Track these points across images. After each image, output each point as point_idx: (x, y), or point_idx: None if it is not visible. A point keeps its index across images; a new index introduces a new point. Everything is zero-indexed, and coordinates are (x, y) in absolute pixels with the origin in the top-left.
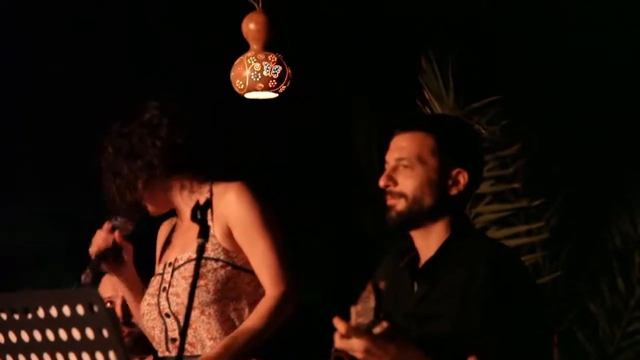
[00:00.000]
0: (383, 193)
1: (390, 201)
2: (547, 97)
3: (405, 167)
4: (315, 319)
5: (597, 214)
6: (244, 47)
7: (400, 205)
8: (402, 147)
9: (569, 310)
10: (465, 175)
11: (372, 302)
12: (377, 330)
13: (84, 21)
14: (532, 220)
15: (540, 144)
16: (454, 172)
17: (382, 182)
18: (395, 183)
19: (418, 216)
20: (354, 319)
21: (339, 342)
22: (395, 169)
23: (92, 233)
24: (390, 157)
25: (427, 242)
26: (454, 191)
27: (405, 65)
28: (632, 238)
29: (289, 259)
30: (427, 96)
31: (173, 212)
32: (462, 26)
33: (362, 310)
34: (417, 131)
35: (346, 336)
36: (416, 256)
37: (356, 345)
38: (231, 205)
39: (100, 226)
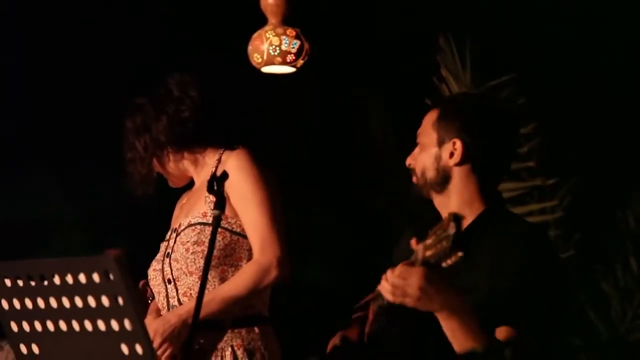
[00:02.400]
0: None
1: (413, 178)
2: (563, 76)
3: (419, 144)
4: (324, 297)
5: (611, 194)
6: (262, 21)
7: (415, 180)
8: (421, 125)
9: (581, 290)
10: (459, 144)
11: (451, 231)
12: (448, 262)
13: None
14: (546, 199)
15: (555, 123)
16: (450, 142)
17: (407, 162)
18: (414, 159)
19: (425, 190)
20: (421, 254)
21: (389, 279)
22: (416, 146)
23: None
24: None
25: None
26: (451, 162)
27: (423, 43)
28: None
29: (282, 228)
30: (444, 74)
31: (192, 184)
32: (480, 5)
33: (434, 242)
34: (432, 109)
35: (403, 273)
36: None
37: (416, 277)
38: (230, 170)
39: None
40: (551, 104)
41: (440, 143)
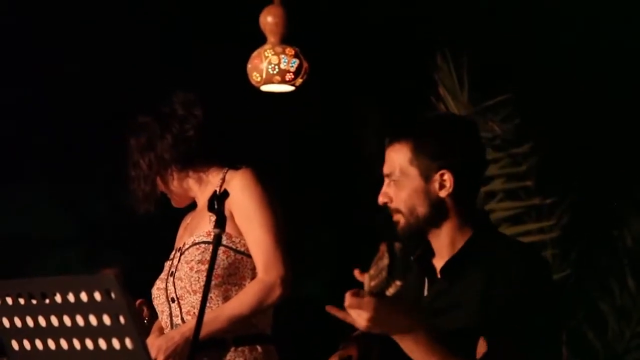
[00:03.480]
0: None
1: (393, 217)
2: (560, 96)
3: (394, 182)
4: (317, 312)
5: (609, 213)
6: (261, 40)
7: (400, 220)
8: (388, 161)
9: (578, 309)
10: (449, 175)
11: (385, 261)
12: (390, 290)
13: (93, 12)
14: (544, 218)
15: (552, 142)
16: (437, 175)
17: (379, 201)
18: (391, 199)
19: (418, 227)
20: (367, 284)
21: (348, 307)
22: (388, 184)
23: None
24: (383, 170)
25: (440, 243)
26: (443, 194)
27: (421, 62)
28: None
29: (285, 247)
30: (441, 93)
31: (195, 204)
32: (478, 24)
33: (375, 272)
34: (397, 142)
35: (353, 303)
36: (427, 252)
37: (364, 309)
38: (234, 190)
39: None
40: (548, 124)
41: (426, 177)
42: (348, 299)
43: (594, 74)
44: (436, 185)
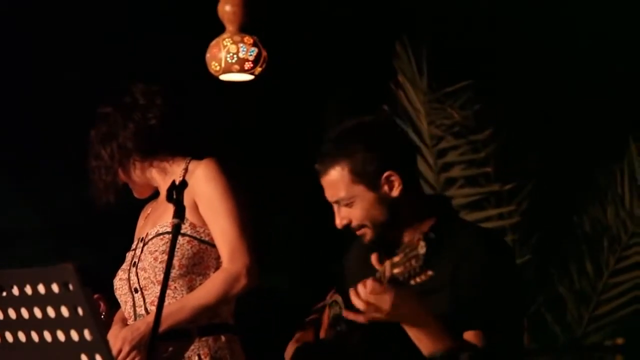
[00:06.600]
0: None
1: (358, 233)
2: (519, 82)
3: (346, 205)
4: (283, 302)
5: (568, 199)
6: (219, 29)
7: (367, 233)
8: (329, 189)
9: (538, 293)
10: (395, 174)
11: (422, 249)
12: (417, 279)
13: (53, 2)
14: (503, 204)
15: (512, 128)
16: (383, 179)
17: (339, 225)
18: (350, 220)
19: (387, 233)
20: (388, 272)
21: (363, 297)
22: (339, 209)
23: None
24: (329, 198)
25: (406, 238)
26: (396, 192)
27: (380, 49)
28: (601, 223)
29: (250, 237)
30: (400, 80)
31: (157, 194)
32: (437, 11)
33: (402, 260)
34: (330, 168)
35: (376, 289)
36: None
37: (388, 296)
38: (198, 180)
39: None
40: (507, 110)
41: (374, 186)
42: (371, 284)
43: (553, 60)
44: (386, 188)
